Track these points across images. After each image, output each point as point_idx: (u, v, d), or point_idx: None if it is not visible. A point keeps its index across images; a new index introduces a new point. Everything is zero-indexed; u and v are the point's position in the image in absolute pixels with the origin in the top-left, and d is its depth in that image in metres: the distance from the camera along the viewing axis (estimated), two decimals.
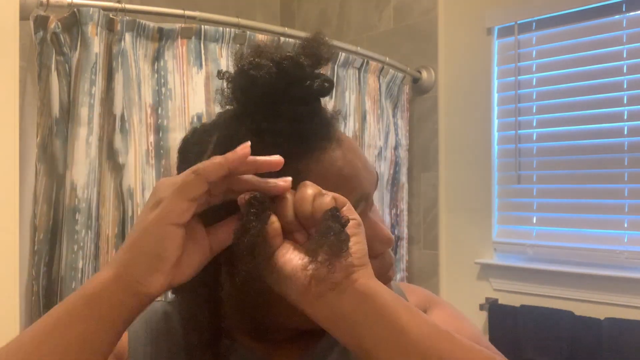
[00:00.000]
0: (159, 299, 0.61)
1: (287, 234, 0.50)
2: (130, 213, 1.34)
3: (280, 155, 0.51)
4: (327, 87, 0.54)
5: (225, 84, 0.55)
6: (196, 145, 0.58)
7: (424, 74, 2.14)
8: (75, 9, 1.29)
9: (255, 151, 0.48)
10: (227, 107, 0.57)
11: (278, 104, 0.52)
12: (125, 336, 0.58)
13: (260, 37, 1.62)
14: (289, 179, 0.50)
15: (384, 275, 0.57)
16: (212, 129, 0.57)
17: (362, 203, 0.56)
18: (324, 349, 0.61)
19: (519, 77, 1.95)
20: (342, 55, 1.84)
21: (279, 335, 0.61)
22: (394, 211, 2.08)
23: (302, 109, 0.53)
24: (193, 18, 1.49)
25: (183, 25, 1.47)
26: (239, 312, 0.56)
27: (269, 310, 0.56)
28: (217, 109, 1.65)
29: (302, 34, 1.77)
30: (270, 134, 0.52)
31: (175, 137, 1.43)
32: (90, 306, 0.46)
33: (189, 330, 0.54)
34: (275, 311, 0.56)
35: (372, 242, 0.55)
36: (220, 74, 0.55)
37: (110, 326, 0.46)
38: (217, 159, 0.47)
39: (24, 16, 1.24)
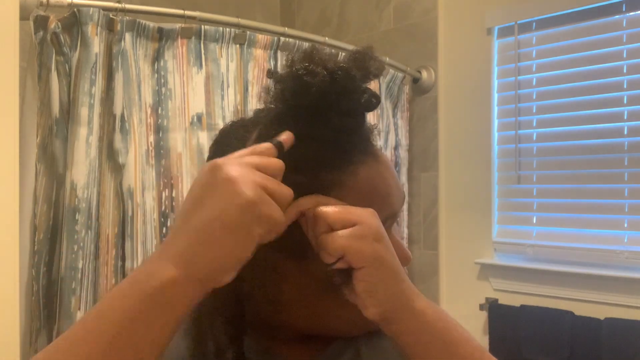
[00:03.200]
0: None
1: None
2: (130, 213, 1.34)
3: (317, 163, 0.52)
4: (374, 102, 0.55)
5: (273, 84, 0.55)
6: (236, 140, 0.58)
7: (424, 74, 2.14)
8: (75, 9, 1.29)
9: (296, 155, 0.51)
10: (272, 106, 0.57)
11: (326, 112, 0.53)
12: None
13: (260, 37, 1.62)
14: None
15: None
16: (252, 126, 0.58)
17: (390, 221, 0.57)
18: (336, 352, 0.61)
19: (519, 77, 1.95)
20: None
21: (290, 335, 0.61)
22: None
23: (348, 121, 0.54)
24: (193, 18, 1.49)
25: (183, 25, 1.47)
26: (255, 309, 0.57)
27: (288, 312, 0.56)
28: (217, 109, 1.65)
29: (302, 34, 1.77)
30: (312, 141, 0.53)
31: (175, 137, 1.43)
32: (161, 307, 0.44)
33: (214, 324, 0.54)
34: (292, 313, 0.56)
35: None
36: (269, 73, 0.56)
37: (178, 321, 0.46)
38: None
39: (24, 16, 1.24)
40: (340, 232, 0.49)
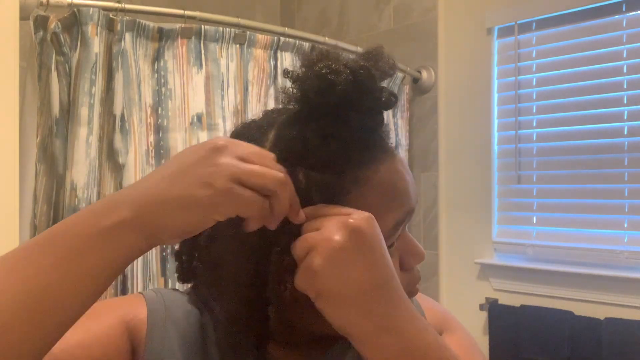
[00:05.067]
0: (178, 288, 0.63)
1: None
2: None
3: (343, 162, 0.53)
4: (393, 101, 0.55)
5: (291, 84, 0.55)
6: (252, 142, 0.56)
7: (424, 74, 2.14)
8: (75, 9, 1.29)
9: (320, 155, 0.51)
10: (289, 107, 0.56)
11: (348, 111, 0.53)
12: (144, 317, 0.58)
13: (260, 37, 1.62)
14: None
15: (412, 289, 0.59)
16: (267, 126, 0.57)
17: (408, 217, 0.57)
18: (339, 353, 0.61)
19: (519, 77, 1.95)
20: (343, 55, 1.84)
21: (298, 338, 0.60)
22: None
23: (369, 120, 0.54)
24: (193, 18, 1.49)
25: (183, 25, 1.47)
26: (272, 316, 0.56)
27: (304, 315, 0.56)
28: (218, 109, 1.64)
29: (302, 34, 1.77)
30: (336, 140, 0.53)
31: (175, 137, 1.43)
32: (108, 243, 0.45)
33: (230, 330, 0.54)
34: (312, 316, 0.56)
35: (406, 256, 0.57)
36: (286, 73, 0.55)
37: (121, 264, 0.47)
38: (293, 207, 0.49)
39: (24, 16, 1.24)
40: (299, 269, 0.50)
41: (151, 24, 1.42)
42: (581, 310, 1.75)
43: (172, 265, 1.39)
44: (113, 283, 1.32)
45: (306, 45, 1.71)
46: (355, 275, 0.48)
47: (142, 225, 0.46)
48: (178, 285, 0.79)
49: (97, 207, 0.47)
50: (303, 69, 0.54)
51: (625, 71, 1.76)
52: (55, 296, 0.44)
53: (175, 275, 0.63)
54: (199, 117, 1.47)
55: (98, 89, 1.31)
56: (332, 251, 0.48)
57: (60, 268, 0.44)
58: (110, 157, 1.35)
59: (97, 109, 1.31)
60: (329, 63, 0.52)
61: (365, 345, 0.49)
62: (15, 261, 0.45)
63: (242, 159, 0.47)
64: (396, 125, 2.08)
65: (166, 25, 1.45)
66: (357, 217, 0.49)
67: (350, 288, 0.48)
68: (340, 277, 0.48)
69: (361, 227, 0.49)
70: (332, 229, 0.49)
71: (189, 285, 0.65)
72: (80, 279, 0.45)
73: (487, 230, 2.01)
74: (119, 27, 1.34)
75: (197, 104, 1.47)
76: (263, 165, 0.47)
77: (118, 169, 1.34)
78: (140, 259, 1.35)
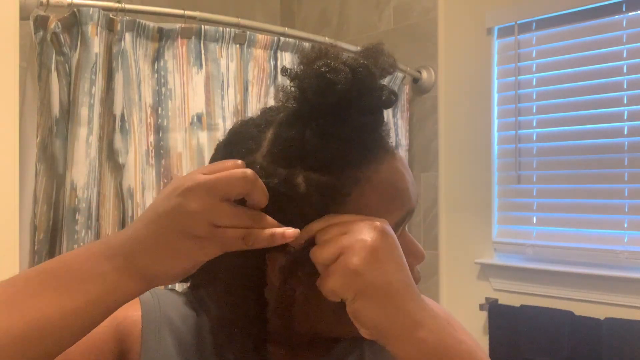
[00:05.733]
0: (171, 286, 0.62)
1: None
2: (130, 213, 1.34)
3: (342, 161, 0.52)
4: (393, 99, 0.54)
5: (289, 82, 0.54)
6: (250, 140, 0.55)
7: (424, 74, 2.14)
8: (75, 9, 1.29)
9: (318, 154, 0.51)
10: (288, 105, 0.55)
11: (348, 110, 0.52)
12: (137, 319, 0.58)
13: (260, 37, 1.62)
14: (297, 231, 0.50)
15: None
16: (265, 125, 0.56)
17: (408, 217, 0.57)
18: (340, 355, 0.61)
19: (519, 77, 1.95)
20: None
21: (299, 340, 0.60)
22: None
23: (369, 119, 0.54)
24: (193, 18, 1.49)
25: (183, 25, 1.47)
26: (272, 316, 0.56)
27: (311, 317, 0.56)
28: (218, 109, 1.64)
29: (302, 34, 1.77)
30: (335, 139, 0.52)
31: (175, 137, 1.43)
32: (109, 285, 0.47)
33: (229, 332, 0.54)
34: (318, 317, 0.56)
35: (406, 257, 0.56)
36: (285, 71, 0.55)
37: (119, 304, 0.49)
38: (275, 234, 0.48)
39: (24, 16, 1.24)
40: (329, 273, 0.49)
41: (151, 24, 1.42)
42: (581, 310, 1.75)
43: None
44: None
45: (306, 45, 1.71)
46: (391, 273, 0.49)
47: (139, 273, 0.47)
48: (177, 286, 0.79)
49: (96, 250, 0.48)
50: (302, 67, 0.53)
51: (625, 71, 1.76)
52: (50, 328, 0.45)
53: None
54: (199, 117, 1.47)
55: (98, 89, 1.31)
56: (369, 250, 0.48)
57: (59, 304, 0.46)
58: (110, 157, 1.35)
59: (97, 109, 1.31)
60: (328, 61, 0.51)
61: (402, 341, 0.49)
62: (14, 292, 0.47)
63: (215, 195, 0.46)
64: (396, 125, 2.08)
65: (166, 25, 1.45)
66: (380, 221, 0.51)
67: (390, 285, 0.49)
68: (379, 275, 0.48)
69: (387, 229, 0.50)
70: (363, 230, 0.49)
71: (187, 285, 0.64)
72: (77, 315, 0.46)
73: (487, 230, 2.01)
74: (119, 27, 1.34)
75: (197, 104, 1.47)
76: (231, 185, 0.47)
77: (118, 169, 1.34)
78: None
